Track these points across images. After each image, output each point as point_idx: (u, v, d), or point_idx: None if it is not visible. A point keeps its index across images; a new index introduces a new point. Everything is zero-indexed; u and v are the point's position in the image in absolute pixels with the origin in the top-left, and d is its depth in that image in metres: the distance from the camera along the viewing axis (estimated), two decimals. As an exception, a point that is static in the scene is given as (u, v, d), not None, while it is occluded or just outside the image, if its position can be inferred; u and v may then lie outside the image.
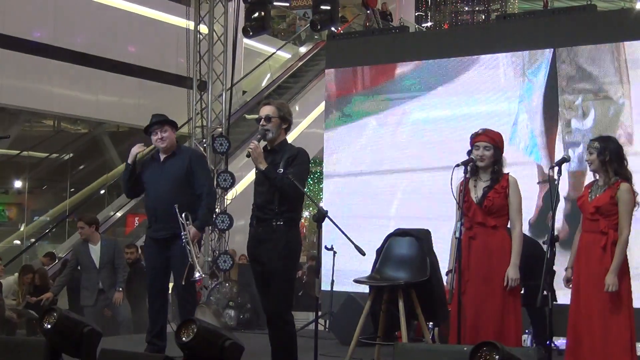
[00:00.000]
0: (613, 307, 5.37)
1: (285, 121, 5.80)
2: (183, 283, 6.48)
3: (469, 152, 5.69)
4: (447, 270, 5.84)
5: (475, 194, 5.64)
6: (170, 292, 7.70)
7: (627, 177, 5.52)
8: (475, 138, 5.66)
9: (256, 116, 5.89)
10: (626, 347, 5.34)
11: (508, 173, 5.69)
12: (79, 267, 9.33)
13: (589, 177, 5.91)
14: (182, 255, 6.48)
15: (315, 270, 6.62)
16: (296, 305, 12.79)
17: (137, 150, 6.64)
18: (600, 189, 5.52)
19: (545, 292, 5.27)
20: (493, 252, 5.59)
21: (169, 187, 6.61)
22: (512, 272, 5.52)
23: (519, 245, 5.54)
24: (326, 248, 9.47)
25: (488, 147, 5.60)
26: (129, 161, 6.65)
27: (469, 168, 5.70)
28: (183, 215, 6.44)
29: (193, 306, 6.88)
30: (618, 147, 5.55)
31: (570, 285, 5.54)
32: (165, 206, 6.55)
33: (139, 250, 10.79)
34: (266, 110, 5.78)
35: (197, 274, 6.37)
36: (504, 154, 5.74)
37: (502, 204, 5.58)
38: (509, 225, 5.69)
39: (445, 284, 5.83)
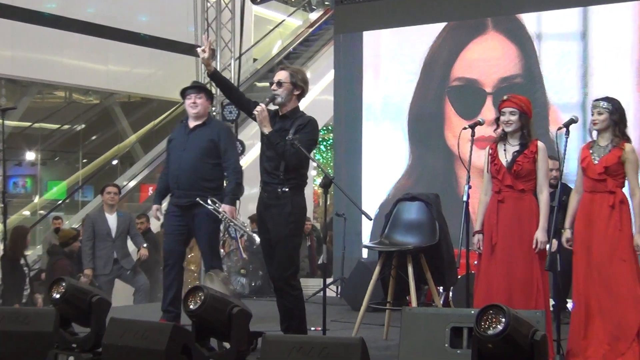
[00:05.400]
0: (626, 263, 5.41)
1: (298, 88, 5.75)
2: (245, 256, 6.53)
3: (497, 119, 5.71)
4: (474, 231, 5.82)
5: (505, 157, 5.66)
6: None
7: (629, 138, 5.54)
8: (501, 104, 5.69)
9: (267, 83, 5.83)
10: (638, 301, 5.36)
11: (537, 139, 5.69)
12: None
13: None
14: (203, 223, 6.61)
15: (323, 237, 6.63)
16: (310, 272, 12.90)
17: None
18: (604, 150, 5.51)
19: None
20: (523, 215, 5.61)
21: (192, 156, 6.62)
22: (542, 235, 5.54)
23: (547, 209, 5.56)
24: (337, 214, 9.52)
25: (514, 112, 5.61)
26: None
27: (475, 130, 5.81)
28: (209, 201, 6.50)
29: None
30: (623, 108, 5.55)
31: (571, 245, 5.56)
32: (187, 174, 6.58)
33: (149, 220, 10.83)
34: (279, 75, 5.76)
35: (257, 239, 6.33)
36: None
37: (531, 169, 5.60)
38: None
39: (473, 244, 5.81)
